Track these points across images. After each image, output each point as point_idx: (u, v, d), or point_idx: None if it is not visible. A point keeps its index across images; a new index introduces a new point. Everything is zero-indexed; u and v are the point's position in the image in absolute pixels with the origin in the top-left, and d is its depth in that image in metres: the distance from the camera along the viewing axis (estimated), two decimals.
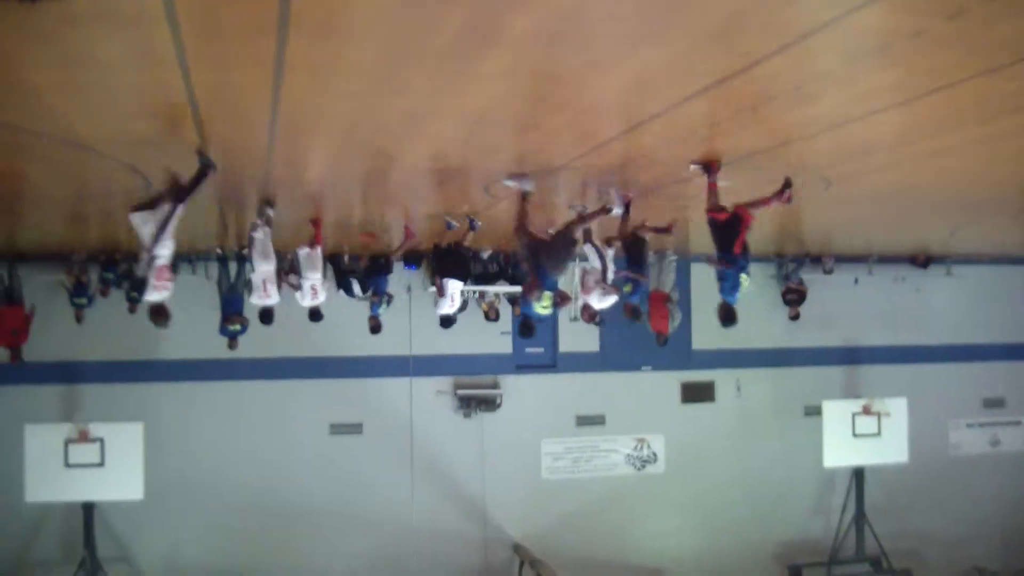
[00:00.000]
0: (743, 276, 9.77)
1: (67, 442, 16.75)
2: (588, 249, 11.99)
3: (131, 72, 6.04)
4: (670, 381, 19.94)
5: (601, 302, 12.16)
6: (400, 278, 18.16)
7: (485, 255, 17.46)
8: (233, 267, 15.95)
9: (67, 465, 16.74)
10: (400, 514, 18.22)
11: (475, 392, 19.16)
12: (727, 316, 10.18)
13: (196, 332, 16.53)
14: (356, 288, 17.30)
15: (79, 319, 16.73)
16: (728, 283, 9.86)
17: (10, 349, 15.32)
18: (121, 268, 16.71)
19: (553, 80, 6.42)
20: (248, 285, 14.42)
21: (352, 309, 17.03)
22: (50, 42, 5.43)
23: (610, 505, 19.44)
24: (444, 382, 19.05)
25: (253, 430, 18.01)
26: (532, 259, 10.52)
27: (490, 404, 19.13)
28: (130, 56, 5.71)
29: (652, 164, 9.39)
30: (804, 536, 20.16)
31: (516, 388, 19.32)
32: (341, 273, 17.32)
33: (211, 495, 17.68)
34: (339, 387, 18.40)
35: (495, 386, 19.26)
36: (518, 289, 17.63)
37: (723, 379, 20.23)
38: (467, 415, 19.07)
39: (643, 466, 19.93)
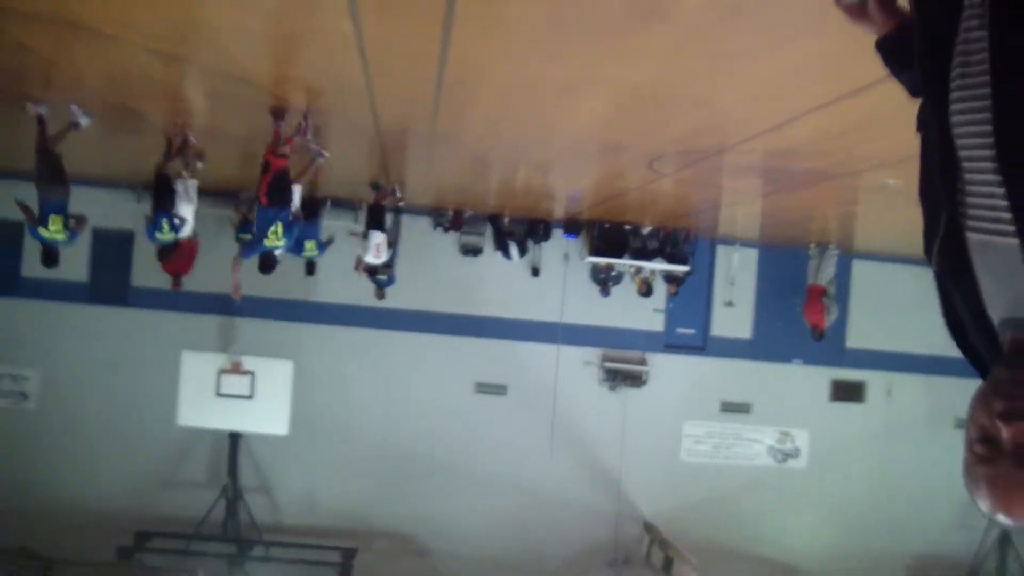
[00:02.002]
0: None
1: (220, 372, 17.26)
2: None
3: (302, 16, 6.13)
4: (820, 377, 19.53)
5: None
6: (558, 245, 18.20)
7: (645, 231, 17.34)
8: (389, 218, 16.16)
9: (218, 394, 17.24)
10: (536, 479, 18.31)
11: (622, 366, 19.07)
12: None
13: (349, 277, 16.82)
14: (514, 251, 17.41)
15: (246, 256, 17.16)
16: None
17: (173, 276, 15.77)
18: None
19: (721, 57, 6.28)
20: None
21: (507, 271, 17.13)
22: None
23: (746, 495, 19.19)
24: (592, 353, 19.01)
25: (399, 380, 18.28)
26: None
27: (636, 380, 19.02)
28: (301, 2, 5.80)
29: (819, 154, 9.16)
30: (942, 551, 19.56)
31: (663, 367, 19.17)
32: (500, 235, 17.45)
33: (352, 440, 18.04)
34: (488, 347, 18.52)
35: (643, 362, 19.14)
36: (677, 267, 17.53)
37: (875, 380, 19.72)
38: (612, 388, 19.00)
39: (784, 459, 19.60)
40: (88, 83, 8.76)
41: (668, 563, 17.07)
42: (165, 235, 11.98)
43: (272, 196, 10.01)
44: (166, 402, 17.15)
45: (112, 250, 18.03)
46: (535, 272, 18.34)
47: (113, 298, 18.20)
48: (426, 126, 9.53)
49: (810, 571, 19.01)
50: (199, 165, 12.05)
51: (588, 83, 7.13)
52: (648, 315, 19.05)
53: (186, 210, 12.12)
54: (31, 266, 17.51)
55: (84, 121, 10.02)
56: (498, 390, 18.65)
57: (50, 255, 10.95)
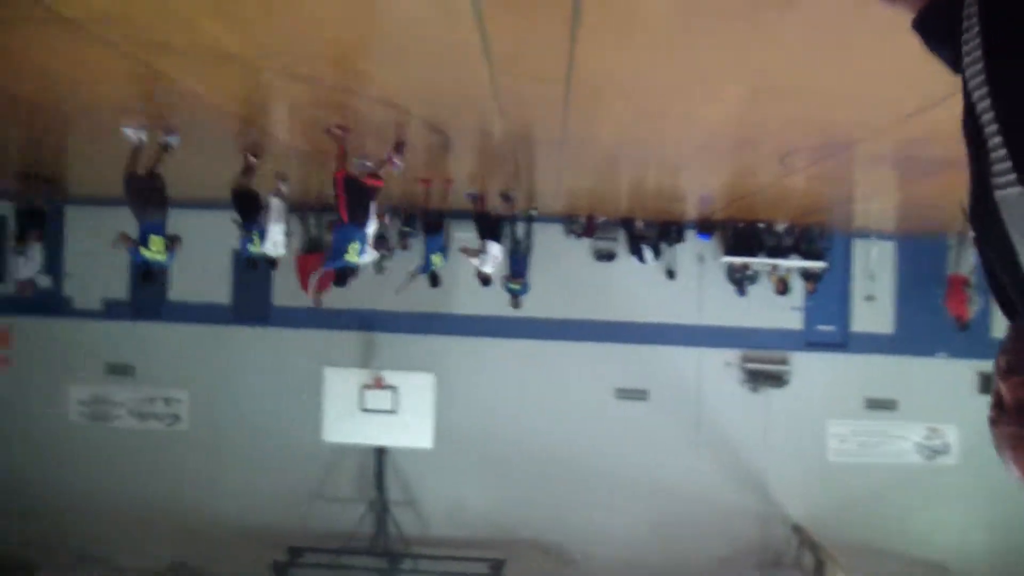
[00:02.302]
0: None
1: (363, 387, 17.53)
2: None
3: (429, 28, 6.20)
4: (967, 369, 19.00)
5: None
6: (692, 247, 18.09)
7: (779, 228, 17.12)
8: (520, 227, 16.23)
9: (362, 409, 17.51)
10: (680, 483, 18.18)
11: (763, 367, 18.84)
12: None
13: (486, 289, 16.95)
14: (648, 254, 17.35)
15: (379, 270, 17.35)
16: None
17: (317, 292, 16.02)
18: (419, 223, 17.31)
19: (852, 44, 6.18)
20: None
21: (642, 274, 17.07)
22: None
23: (896, 493, 18.75)
24: (732, 354, 18.82)
25: (539, 389, 18.34)
26: None
27: (778, 380, 18.77)
28: (427, 9, 5.86)
29: (957, 140, 8.90)
30: None
31: (805, 365, 18.88)
32: (633, 239, 17.41)
33: (495, 450, 18.14)
34: (627, 352, 18.47)
35: (784, 362, 18.88)
36: (814, 264, 17.26)
37: None
38: (754, 389, 18.78)
39: (934, 456, 19.12)
40: (227, 109, 8.99)
41: (819, 565, 16.81)
42: (256, 247, 12.26)
43: (353, 213, 10.21)
44: (312, 419, 17.50)
45: (253, 271, 18.43)
46: (670, 275, 18.24)
47: (255, 318, 18.63)
48: (555, 132, 9.55)
49: (962, 570, 18.51)
50: (282, 187, 12.34)
51: (717, 78, 7.08)
52: (786, 314, 18.79)
53: (276, 229, 12.42)
54: (178, 290, 18.05)
55: (173, 141, 10.33)
56: (639, 395, 18.58)
57: (149, 275, 11.27)
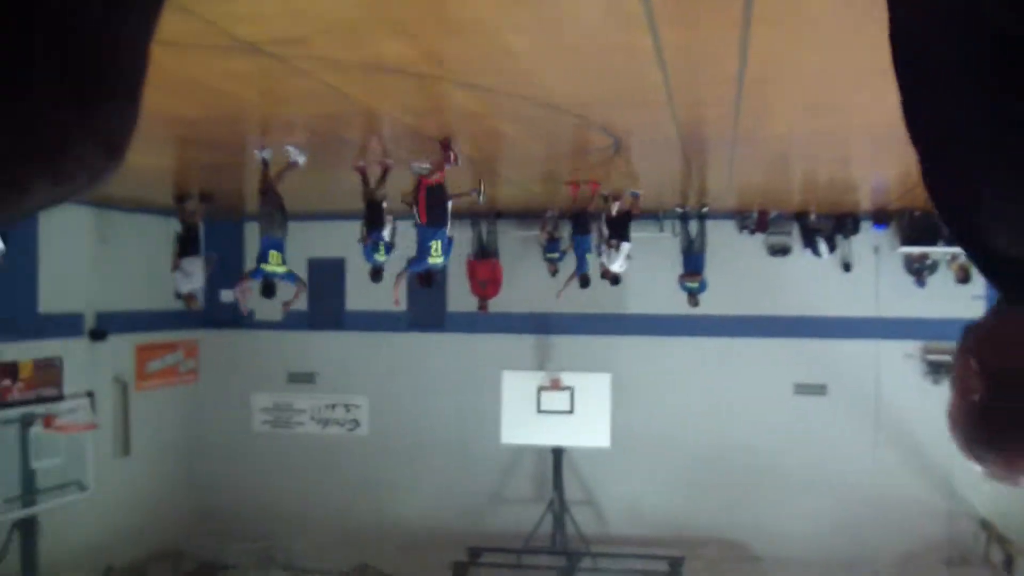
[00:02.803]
0: None
1: (540, 389, 17.67)
2: None
3: (602, 33, 6.25)
4: None
5: None
6: (868, 238, 17.75)
7: None
8: (694, 225, 16.14)
9: (539, 411, 17.65)
10: (861, 478, 17.82)
11: (946, 358, 18.32)
12: None
13: (659, 287, 16.96)
14: (823, 247, 17.08)
15: (552, 273, 17.42)
16: None
17: (479, 299, 16.21)
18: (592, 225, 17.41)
19: None
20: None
21: (818, 268, 16.83)
22: (529, 6, 5.72)
23: None
24: (912, 346, 18.37)
25: (715, 386, 18.21)
26: None
27: None
28: (602, 17, 5.91)
29: None
30: None
31: None
32: (807, 232, 17.16)
33: (673, 447, 18.08)
34: (804, 346, 18.19)
35: None
36: None
37: None
38: (936, 381, 18.28)
39: None
40: (404, 121, 9.19)
41: (1008, 561, 16.31)
42: (381, 256, 12.43)
43: (431, 215, 10.41)
44: (489, 421, 17.71)
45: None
46: (846, 267, 17.90)
47: (431, 324, 18.95)
48: (727, 129, 9.51)
49: None
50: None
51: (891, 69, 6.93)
52: (968, 303, 18.21)
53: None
54: (355, 300, 18.49)
55: (301, 160, 10.58)
56: (817, 390, 18.29)
57: (268, 288, 11.71)
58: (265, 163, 10.82)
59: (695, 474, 18.10)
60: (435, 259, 10.81)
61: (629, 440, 17.74)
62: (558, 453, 18.03)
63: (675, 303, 16.74)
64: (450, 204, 10.87)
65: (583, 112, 8.72)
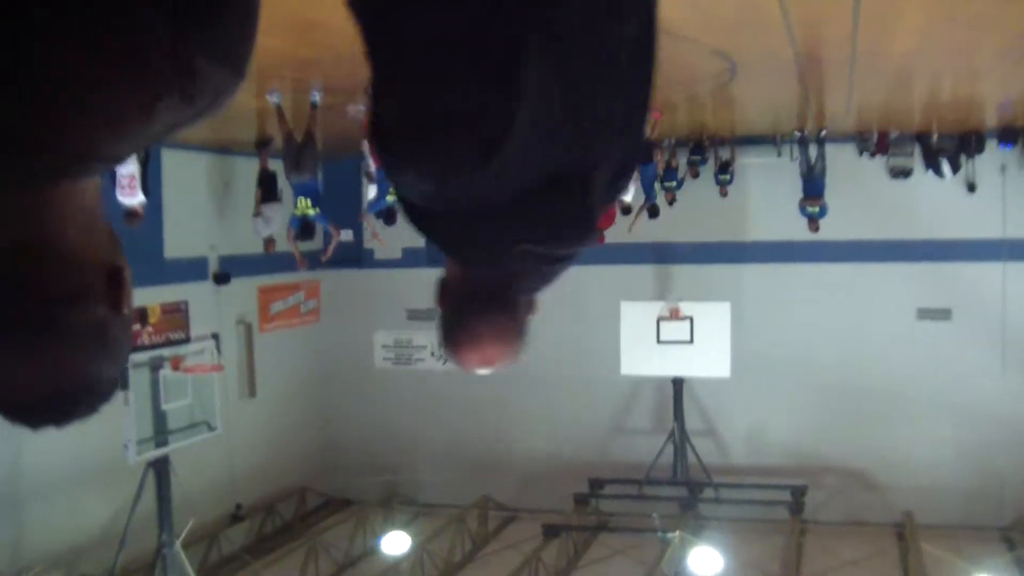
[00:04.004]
0: None
1: (659, 319, 17.59)
2: None
3: None
4: None
5: None
6: (994, 157, 17.21)
7: None
8: (813, 149, 15.82)
9: (659, 341, 17.59)
10: (988, 404, 17.39)
11: None
12: None
13: (781, 213, 16.72)
14: (946, 168, 16.66)
15: (670, 201, 17.26)
16: None
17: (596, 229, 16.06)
18: (708, 152, 17.24)
19: None
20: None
21: (941, 189, 16.43)
22: None
23: None
24: None
25: (837, 312, 17.90)
26: None
27: None
28: None
29: None
30: None
31: None
32: (929, 153, 16.74)
33: (794, 376, 17.88)
34: (927, 271, 17.76)
35: None
36: None
37: None
38: None
39: None
40: None
41: None
42: (392, 197, 12.52)
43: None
44: (609, 352, 17.70)
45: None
46: (971, 188, 17.36)
47: None
48: (845, 49, 9.28)
49: None
50: None
51: None
52: None
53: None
54: None
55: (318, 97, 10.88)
56: (942, 315, 17.85)
57: (307, 229, 12.29)
58: (314, 106, 10.96)
59: (817, 403, 17.87)
60: (304, 211, 11.51)
61: (750, 369, 17.56)
62: (678, 383, 17.95)
63: (795, 229, 16.47)
64: None
65: (697, 37, 8.56)
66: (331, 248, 12.84)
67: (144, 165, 11.06)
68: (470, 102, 1.31)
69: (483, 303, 1.66)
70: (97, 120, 1.01)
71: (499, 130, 1.32)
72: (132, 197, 10.83)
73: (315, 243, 15.67)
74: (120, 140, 1.05)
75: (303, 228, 12.10)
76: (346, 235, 19.25)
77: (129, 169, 10.70)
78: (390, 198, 11.16)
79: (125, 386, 12.98)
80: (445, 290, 1.69)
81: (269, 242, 14.61)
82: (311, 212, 11.63)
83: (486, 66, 1.30)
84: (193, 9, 1.02)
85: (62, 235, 1.10)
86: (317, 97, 10.92)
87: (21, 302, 1.09)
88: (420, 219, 1.62)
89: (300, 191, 11.64)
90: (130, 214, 10.89)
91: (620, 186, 1.66)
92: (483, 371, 1.72)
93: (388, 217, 12.19)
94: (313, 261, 15.60)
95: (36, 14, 0.93)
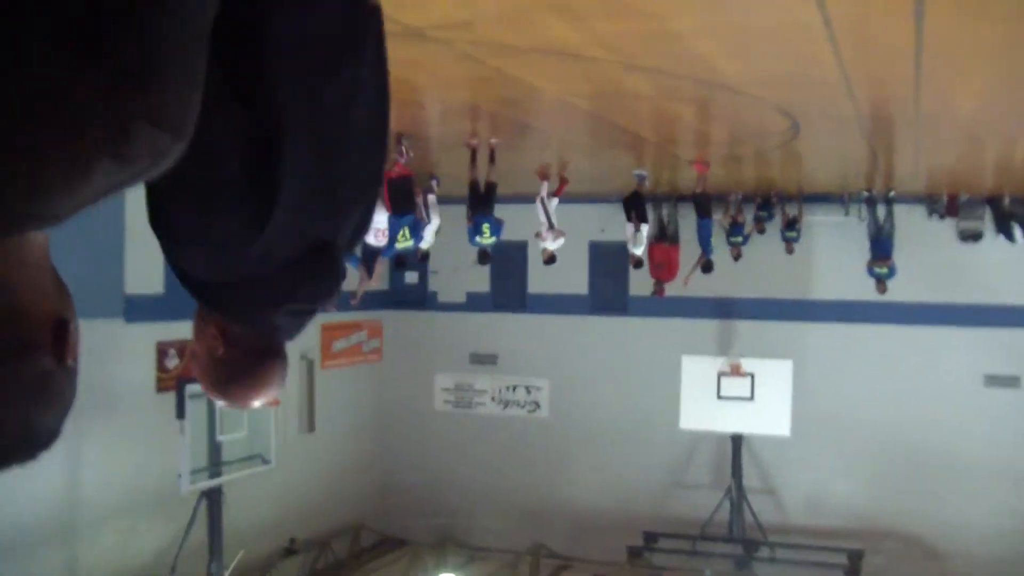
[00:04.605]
0: None
1: (720, 375, 17.48)
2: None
3: (769, 11, 6.12)
4: None
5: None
6: None
7: None
8: (881, 209, 15.70)
9: (719, 397, 17.47)
10: None
11: None
12: None
13: (847, 273, 16.58)
14: (1018, 232, 16.44)
15: (736, 257, 17.15)
16: None
17: (655, 282, 15.90)
18: (775, 208, 17.16)
19: None
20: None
21: (1012, 254, 16.20)
22: None
23: None
24: None
25: (901, 375, 17.65)
26: None
27: None
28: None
29: None
30: None
31: None
32: (1001, 217, 16.56)
33: (855, 437, 17.64)
34: (996, 336, 17.45)
35: None
36: None
37: None
38: None
39: None
40: (576, 103, 9.19)
41: None
42: (486, 239, 12.48)
43: (396, 205, 10.97)
44: (668, 406, 17.62)
45: (609, 262, 18.79)
46: None
47: (613, 308, 18.93)
48: (908, 109, 9.21)
49: None
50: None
51: None
52: None
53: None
54: (537, 282, 18.60)
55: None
56: (1010, 382, 17.53)
57: (401, 261, 12.41)
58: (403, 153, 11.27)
59: (878, 465, 17.59)
60: (402, 243, 11.39)
61: (810, 429, 17.37)
62: (737, 440, 17.80)
63: (861, 289, 16.33)
64: (424, 194, 12.17)
65: (756, 92, 8.56)
66: (359, 292, 12.85)
67: None
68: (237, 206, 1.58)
69: (261, 354, 1.85)
70: (25, 180, 1.01)
71: (262, 218, 1.57)
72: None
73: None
74: (51, 201, 1.07)
75: (398, 261, 12.36)
76: (411, 277, 19.44)
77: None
78: (399, 245, 11.36)
79: (181, 415, 13.17)
80: (221, 338, 1.82)
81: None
82: (407, 244, 11.83)
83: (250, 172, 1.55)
84: (131, 72, 1.03)
85: (6, 287, 1.14)
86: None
87: None
88: (198, 288, 1.76)
89: (397, 226, 11.80)
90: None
91: (359, 238, 1.91)
92: (257, 404, 1.91)
93: (400, 263, 12.45)
94: (377, 300, 15.68)
95: None
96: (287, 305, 1.80)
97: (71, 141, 1.01)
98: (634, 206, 14.33)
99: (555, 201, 13.26)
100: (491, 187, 12.29)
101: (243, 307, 1.77)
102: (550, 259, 13.90)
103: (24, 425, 1.18)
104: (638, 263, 14.68)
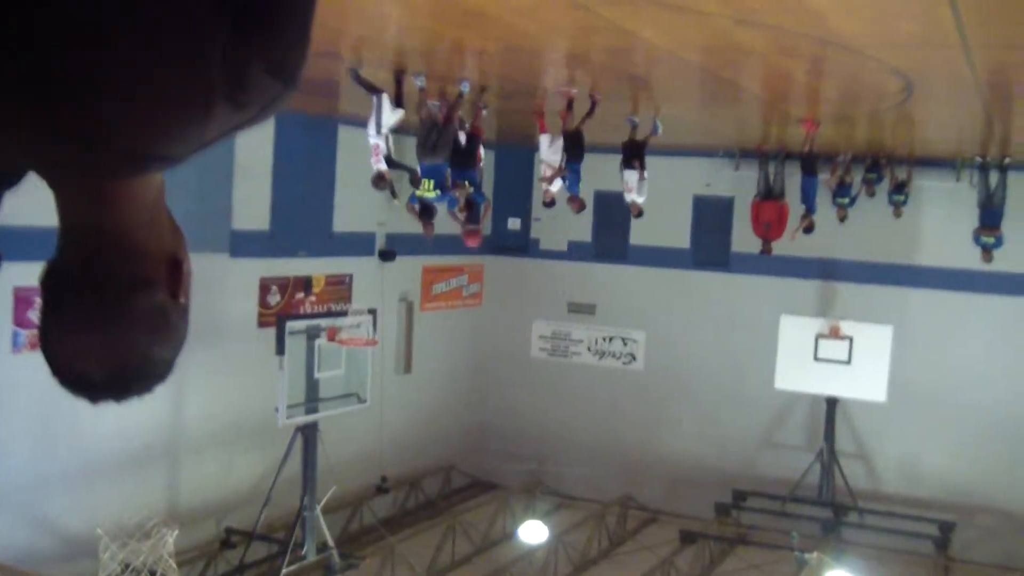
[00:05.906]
0: None
1: (818, 336, 17.32)
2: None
3: None
4: None
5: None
6: None
7: None
8: (994, 177, 15.34)
9: (816, 359, 17.31)
10: None
11: None
12: None
13: (954, 240, 16.28)
14: None
15: (842, 219, 16.79)
16: None
17: (763, 240, 15.75)
18: (884, 171, 16.83)
19: None
20: None
21: None
22: None
23: None
24: None
25: (1004, 347, 17.28)
26: None
27: None
28: None
29: None
30: None
31: None
32: None
33: (952, 408, 17.32)
34: None
35: None
36: None
37: None
38: None
39: None
40: (685, 56, 9.13)
41: None
42: (426, 192, 12.39)
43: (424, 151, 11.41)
44: (764, 365, 17.51)
45: (713, 217, 18.67)
46: None
47: (715, 263, 18.82)
48: None
49: None
50: None
51: None
52: None
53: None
54: (639, 234, 18.56)
55: (464, 88, 11.20)
56: None
57: (426, 210, 12.08)
58: (460, 95, 11.33)
59: (975, 438, 17.26)
60: (424, 193, 11.55)
61: (907, 397, 17.13)
62: (832, 403, 17.65)
63: (968, 257, 16.00)
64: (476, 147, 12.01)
65: (872, 53, 8.44)
66: (483, 218, 12.90)
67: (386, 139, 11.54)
68: None
69: None
70: (149, 121, 1.07)
71: None
72: (377, 163, 11.39)
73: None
74: (172, 143, 1.12)
75: (423, 209, 12.30)
76: (513, 223, 19.53)
77: (373, 140, 11.39)
78: (420, 194, 11.45)
79: (281, 351, 13.44)
80: None
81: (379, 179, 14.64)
82: (430, 195, 11.84)
83: None
84: (251, 18, 1.08)
85: (127, 225, 1.21)
86: (467, 87, 11.19)
87: (92, 285, 1.20)
88: None
89: (428, 173, 11.79)
90: (378, 177, 11.52)
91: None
92: None
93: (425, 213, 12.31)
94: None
95: (101, 13, 0.99)
96: None
97: (194, 82, 1.06)
98: (636, 154, 13.86)
99: (559, 141, 12.79)
100: (579, 136, 12.26)
101: None
102: (551, 202, 13.35)
103: (144, 357, 1.25)
104: (639, 212, 14.32)
